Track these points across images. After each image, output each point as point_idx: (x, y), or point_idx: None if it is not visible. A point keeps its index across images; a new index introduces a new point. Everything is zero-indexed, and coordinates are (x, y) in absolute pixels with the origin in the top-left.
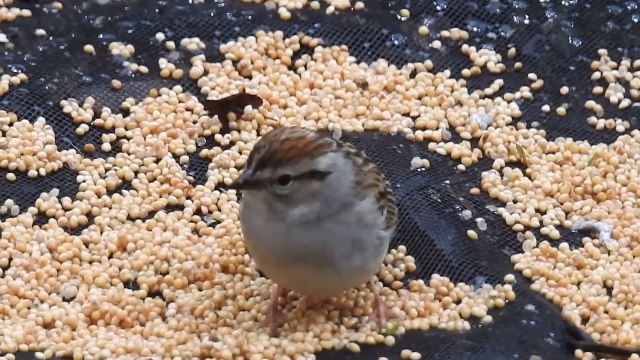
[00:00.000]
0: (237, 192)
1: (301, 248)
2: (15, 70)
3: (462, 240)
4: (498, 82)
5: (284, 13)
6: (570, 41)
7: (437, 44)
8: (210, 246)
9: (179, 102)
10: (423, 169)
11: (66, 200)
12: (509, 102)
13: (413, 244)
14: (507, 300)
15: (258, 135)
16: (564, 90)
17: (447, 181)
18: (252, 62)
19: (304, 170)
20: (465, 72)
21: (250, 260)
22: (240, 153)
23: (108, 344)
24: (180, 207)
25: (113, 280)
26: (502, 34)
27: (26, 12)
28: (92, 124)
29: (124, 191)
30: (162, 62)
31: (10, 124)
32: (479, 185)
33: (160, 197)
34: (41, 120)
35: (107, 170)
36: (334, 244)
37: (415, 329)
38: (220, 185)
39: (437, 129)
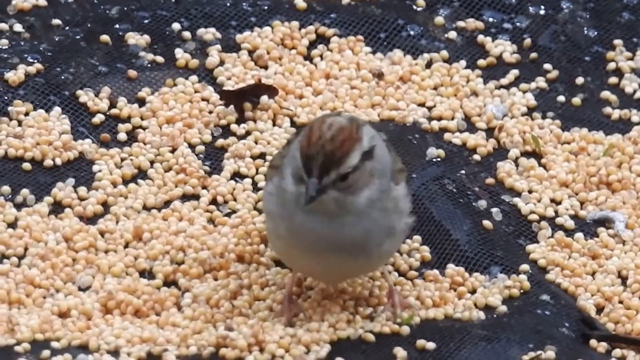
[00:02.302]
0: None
1: (345, 237)
2: (31, 60)
3: (478, 231)
4: (513, 73)
5: (300, 3)
6: (585, 32)
7: (452, 34)
8: (225, 236)
9: (195, 92)
10: (438, 159)
11: (82, 190)
12: (524, 92)
13: (428, 233)
14: (522, 291)
15: (274, 125)
16: (580, 80)
17: (463, 171)
18: (268, 52)
19: (359, 157)
20: (481, 62)
21: (266, 250)
22: (256, 143)
23: (124, 334)
24: (196, 197)
25: (129, 269)
26: (518, 24)
27: (42, 2)
28: (108, 113)
29: (139, 181)
30: (178, 52)
31: (26, 114)
32: (494, 175)
33: (176, 186)
34: (57, 110)
35: (122, 160)
36: (375, 233)
37: (431, 318)
38: (236, 175)
39: (452, 119)
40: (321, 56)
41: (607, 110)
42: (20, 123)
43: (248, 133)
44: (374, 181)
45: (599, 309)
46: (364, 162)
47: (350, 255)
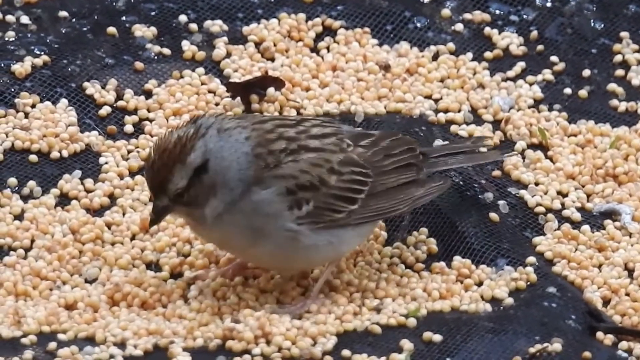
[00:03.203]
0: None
1: (222, 239)
2: (38, 52)
3: (484, 223)
4: (520, 65)
5: None
6: (592, 24)
7: (459, 26)
8: None
9: (202, 84)
10: None
11: (88, 182)
12: (531, 84)
13: (435, 226)
14: (528, 283)
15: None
16: (586, 73)
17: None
18: (274, 45)
19: (187, 176)
20: (488, 54)
21: None
22: None
23: (130, 326)
24: None
25: (135, 262)
26: (525, 16)
27: None
28: (114, 105)
29: None
30: (185, 44)
31: (33, 106)
32: (500, 167)
33: None
34: (64, 102)
35: (129, 152)
36: (235, 233)
37: (437, 311)
38: None
39: (459, 111)
40: (328, 48)
41: (614, 102)
42: (26, 115)
43: None
44: (218, 194)
45: (606, 301)
46: (199, 177)
47: (241, 251)
